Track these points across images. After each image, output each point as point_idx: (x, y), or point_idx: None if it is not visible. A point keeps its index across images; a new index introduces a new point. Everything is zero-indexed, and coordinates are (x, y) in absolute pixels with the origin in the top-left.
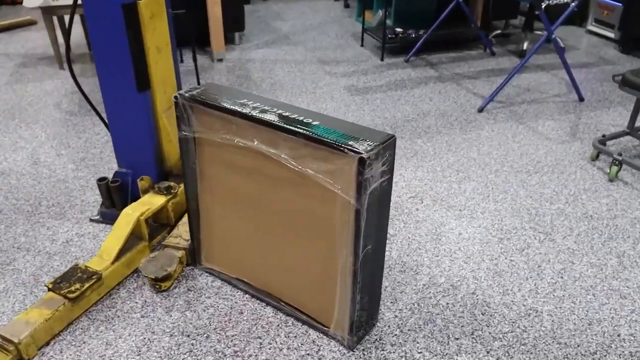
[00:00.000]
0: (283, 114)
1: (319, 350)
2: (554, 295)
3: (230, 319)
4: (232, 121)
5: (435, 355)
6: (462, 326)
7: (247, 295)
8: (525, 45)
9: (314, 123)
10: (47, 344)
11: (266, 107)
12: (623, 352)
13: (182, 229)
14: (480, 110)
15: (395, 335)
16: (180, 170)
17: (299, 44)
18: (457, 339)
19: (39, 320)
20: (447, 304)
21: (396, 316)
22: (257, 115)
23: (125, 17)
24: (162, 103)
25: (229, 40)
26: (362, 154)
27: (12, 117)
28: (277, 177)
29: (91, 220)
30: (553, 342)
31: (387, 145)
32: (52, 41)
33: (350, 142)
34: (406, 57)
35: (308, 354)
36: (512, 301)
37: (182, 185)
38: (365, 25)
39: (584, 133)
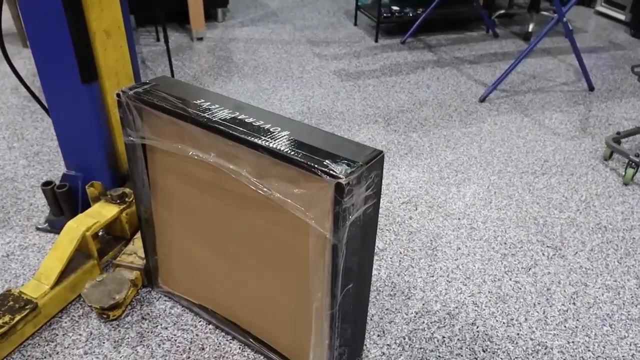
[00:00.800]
0: (245, 120)
1: None
2: (565, 327)
3: (189, 356)
4: (185, 128)
5: None
6: None
7: (210, 326)
8: (530, 27)
9: (283, 133)
10: None
11: (226, 112)
12: None
13: (138, 244)
14: (482, 99)
15: None
16: None
17: (288, 22)
18: None
19: None
20: (443, 337)
21: (383, 353)
22: (214, 122)
23: None
24: (114, 97)
25: (211, 16)
26: (340, 178)
27: None
28: (239, 196)
29: (37, 229)
30: None
31: (373, 165)
32: (14, 17)
33: (327, 162)
34: (402, 38)
35: None
36: (518, 334)
37: None
38: (360, 2)
39: (595, 127)
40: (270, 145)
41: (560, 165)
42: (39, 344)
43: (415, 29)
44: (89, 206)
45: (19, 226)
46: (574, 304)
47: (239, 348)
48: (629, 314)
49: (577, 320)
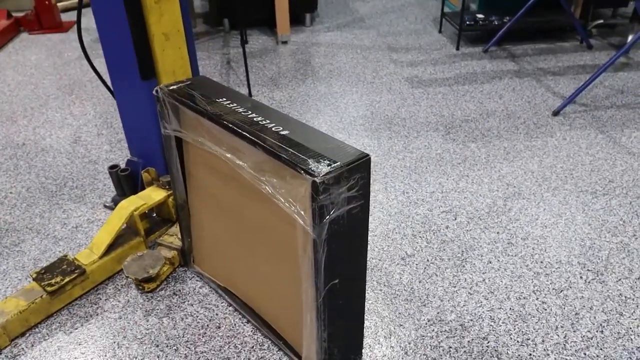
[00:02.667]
0: (254, 119)
1: None
2: (585, 354)
3: (205, 333)
4: (203, 123)
5: None
6: None
7: (230, 308)
8: (629, 39)
9: (282, 132)
10: (23, 334)
11: (240, 110)
12: None
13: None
14: (556, 113)
15: None
16: None
17: (372, 28)
18: None
19: (13, 312)
20: (450, 347)
21: (385, 355)
22: (224, 119)
23: (125, 2)
24: None
25: (299, 21)
26: (316, 176)
27: (70, 92)
28: (249, 188)
29: (105, 206)
30: None
31: (355, 168)
32: None
33: (310, 160)
34: (485, 46)
35: None
36: (530, 355)
37: None
38: (450, 9)
39: None
40: (265, 142)
41: (627, 187)
42: (83, 305)
43: (500, 37)
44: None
45: (91, 203)
46: (601, 332)
47: (251, 331)
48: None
49: (601, 349)
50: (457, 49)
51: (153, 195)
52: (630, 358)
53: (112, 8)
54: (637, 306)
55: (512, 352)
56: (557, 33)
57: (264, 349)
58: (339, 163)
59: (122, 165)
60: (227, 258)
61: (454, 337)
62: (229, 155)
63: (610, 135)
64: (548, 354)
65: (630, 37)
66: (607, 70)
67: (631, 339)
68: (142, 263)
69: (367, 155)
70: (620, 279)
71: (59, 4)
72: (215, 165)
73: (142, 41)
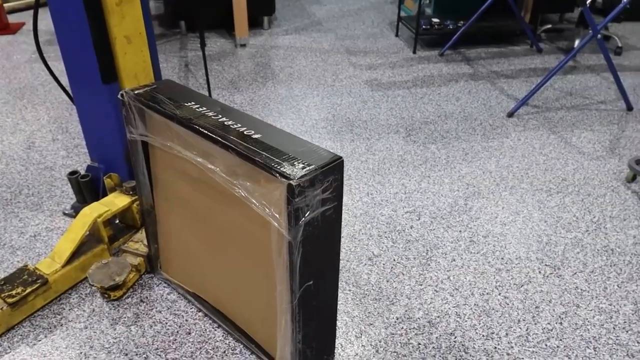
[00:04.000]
0: (225, 123)
1: None
2: (546, 345)
3: (176, 339)
4: (172, 127)
5: None
6: None
7: (199, 314)
8: (576, 43)
9: (255, 136)
10: None
11: (211, 114)
12: None
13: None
14: (510, 114)
15: None
16: None
17: (330, 32)
18: None
19: None
20: (419, 344)
21: (357, 354)
22: (195, 123)
23: (85, 3)
24: None
25: (257, 24)
26: (291, 179)
27: (21, 97)
28: (220, 192)
29: (64, 214)
30: None
31: (329, 170)
32: None
33: (284, 164)
34: (441, 50)
35: None
36: (495, 348)
37: None
38: (406, 13)
39: (625, 149)
40: (238, 146)
41: (579, 184)
42: (46, 316)
43: (455, 41)
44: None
45: (49, 210)
46: (560, 323)
47: (222, 336)
48: (617, 339)
49: (560, 340)
50: (414, 52)
51: (117, 201)
52: (588, 347)
53: (71, 9)
54: (592, 298)
55: (478, 346)
56: (509, 37)
57: (236, 353)
58: (313, 166)
59: (82, 171)
60: (196, 263)
61: (422, 333)
62: (200, 160)
63: (562, 135)
64: (512, 347)
65: (577, 42)
66: (556, 74)
67: (588, 329)
68: (107, 271)
69: (340, 157)
70: (575, 273)
71: (5, 5)
72: (184, 169)
73: (102, 44)
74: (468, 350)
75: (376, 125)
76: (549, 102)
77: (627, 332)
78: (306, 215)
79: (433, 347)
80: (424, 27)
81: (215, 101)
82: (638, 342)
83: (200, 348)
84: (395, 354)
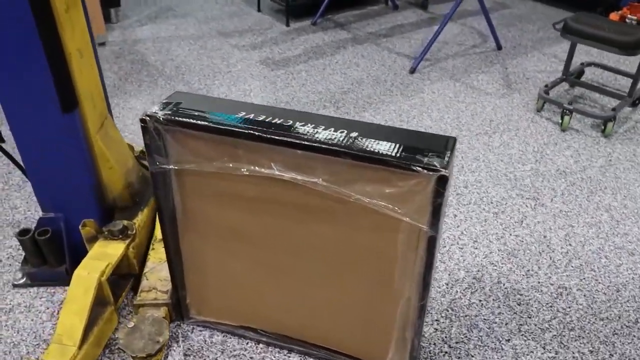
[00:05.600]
0: (300, 128)
1: None
2: (572, 267)
3: None
4: (238, 145)
5: None
6: (505, 324)
7: (261, 345)
8: None
9: (352, 134)
10: None
11: (280, 122)
12: None
13: (154, 278)
14: (413, 71)
15: (446, 352)
16: (127, 201)
17: (188, 16)
18: (508, 340)
19: None
20: (480, 301)
21: (436, 329)
22: (281, 136)
23: (35, 12)
24: (94, 122)
25: (105, 18)
26: (440, 170)
27: None
28: (302, 207)
29: (15, 286)
30: (596, 319)
31: (452, 152)
32: None
33: (418, 157)
34: (312, 19)
35: None
36: (539, 282)
37: (138, 220)
38: None
39: (517, 83)
40: (355, 151)
41: (505, 122)
42: None
43: (324, 9)
44: (77, 249)
45: None
46: (570, 244)
47: (300, 358)
48: (615, 244)
49: (579, 258)
50: (287, 25)
51: (109, 250)
52: (600, 258)
53: (13, 25)
54: (577, 216)
55: (526, 285)
56: None
57: None
58: (446, 152)
59: (33, 227)
60: (248, 293)
61: (476, 290)
62: (287, 174)
63: (464, 81)
64: (549, 277)
65: None
66: (420, 26)
67: (591, 243)
68: (141, 334)
69: (455, 138)
70: (552, 199)
71: None
72: (233, 192)
73: (60, 63)
74: (521, 292)
75: (300, 103)
76: (434, 53)
77: (617, 236)
78: (443, 204)
79: (493, 300)
80: None
81: (253, 105)
82: (630, 242)
83: None
84: (468, 317)
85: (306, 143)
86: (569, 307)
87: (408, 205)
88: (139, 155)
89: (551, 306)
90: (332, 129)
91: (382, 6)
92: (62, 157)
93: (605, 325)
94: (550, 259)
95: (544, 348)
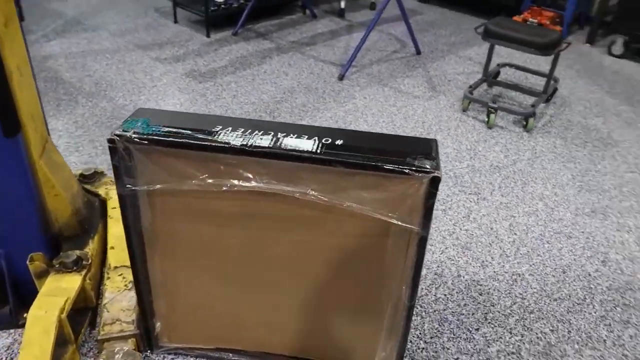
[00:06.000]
0: (282, 141)
1: None
2: (521, 254)
3: None
4: (219, 160)
5: (472, 356)
6: (472, 314)
7: None
8: (342, 4)
9: (338, 143)
10: None
11: (259, 133)
12: (602, 288)
13: (115, 309)
14: (341, 78)
15: (423, 349)
16: (76, 229)
17: (100, 29)
18: (477, 329)
19: None
20: (445, 295)
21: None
22: (257, 148)
23: None
24: (36, 145)
25: None
26: (433, 172)
27: None
28: (285, 220)
29: None
30: (550, 300)
31: (437, 154)
32: None
33: (409, 160)
34: (234, 30)
35: None
36: (495, 272)
37: (90, 249)
38: None
39: (441, 85)
40: (342, 157)
41: (436, 123)
42: None
43: (245, 18)
44: (22, 287)
45: None
46: (515, 234)
47: None
48: (553, 230)
49: (525, 246)
50: (208, 36)
51: (64, 284)
52: (543, 243)
53: None
54: (515, 206)
55: (484, 275)
56: (283, 8)
57: None
58: (433, 154)
59: None
60: (223, 314)
61: (439, 285)
62: (274, 186)
63: (392, 86)
64: (503, 265)
65: (342, 2)
66: (340, 34)
67: (533, 230)
68: None
69: (435, 139)
70: (491, 192)
71: None
72: (208, 210)
73: (2, 82)
74: (480, 283)
75: (235, 115)
76: (358, 60)
77: (554, 222)
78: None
79: (456, 292)
80: (212, 8)
81: (226, 117)
82: (565, 226)
83: None
84: (437, 312)
85: (295, 154)
86: (525, 292)
87: (400, 208)
88: (78, 178)
89: (509, 293)
90: (317, 138)
91: (300, 15)
92: (3, 186)
93: (559, 305)
94: (500, 248)
95: (510, 333)
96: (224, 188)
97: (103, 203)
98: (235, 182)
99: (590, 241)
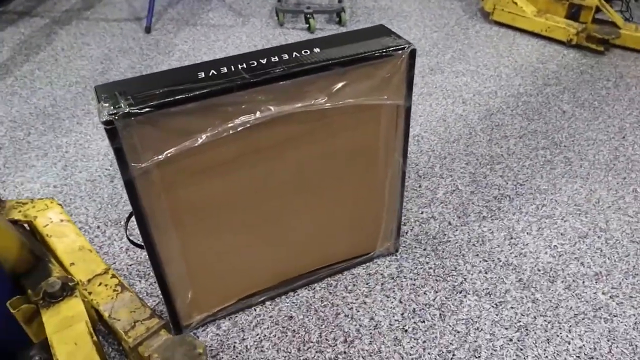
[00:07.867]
0: (265, 61)
1: (376, 272)
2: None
3: (288, 336)
4: (225, 102)
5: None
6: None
7: (268, 303)
8: None
9: (317, 51)
10: None
11: (253, 63)
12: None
13: (124, 314)
14: (149, 30)
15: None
16: (29, 261)
17: None
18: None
19: None
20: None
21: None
22: (268, 74)
23: None
24: None
25: None
26: (410, 45)
27: None
28: (290, 140)
29: None
30: (449, 143)
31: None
32: None
33: (387, 42)
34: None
35: (375, 284)
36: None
37: (60, 270)
38: None
39: (244, 9)
40: (332, 59)
41: (266, 44)
42: None
43: None
44: None
45: None
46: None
47: (310, 292)
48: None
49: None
50: None
51: (69, 313)
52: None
53: None
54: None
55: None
56: None
57: (337, 283)
58: (394, 33)
59: None
60: (244, 262)
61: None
62: (285, 108)
63: (201, 23)
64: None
65: None
66: None
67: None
68: (174, 356)
69: (381, 25)
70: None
71: None
72: (220, 158)
73: None
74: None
75: (65, 100)
76: (171, 5)
77: None
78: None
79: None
80: None
81: (206, 62)
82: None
83: (310, 313)
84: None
85: (304, 68)
86: (422, 149)
87: (388, 87)
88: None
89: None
90: (295, 53)
91: None
92: None
93: (458, 144)
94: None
95: (441, 177)
96: (240, 129)
97: (30, 227)
98: (248, 117)
99: (445, 92)
